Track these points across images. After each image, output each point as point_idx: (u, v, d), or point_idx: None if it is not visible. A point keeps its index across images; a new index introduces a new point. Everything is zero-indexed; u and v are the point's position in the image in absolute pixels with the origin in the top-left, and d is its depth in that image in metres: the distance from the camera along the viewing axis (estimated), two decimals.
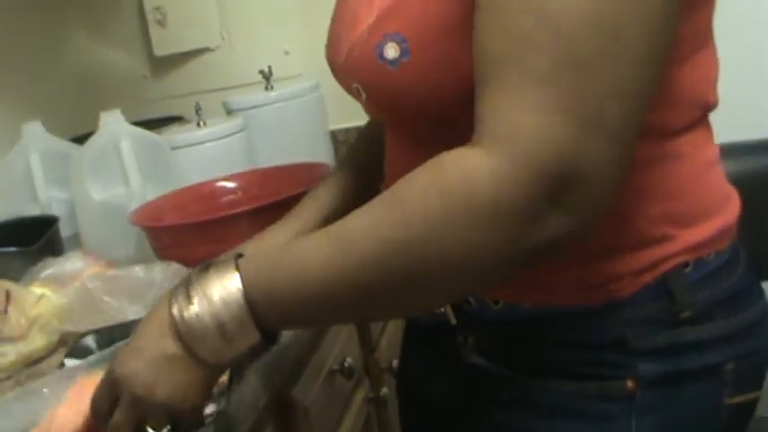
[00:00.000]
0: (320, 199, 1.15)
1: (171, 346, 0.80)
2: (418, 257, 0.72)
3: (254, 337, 0.79)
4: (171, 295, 0.82)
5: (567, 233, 0.72)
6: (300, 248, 0.79)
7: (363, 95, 0.89)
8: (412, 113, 0.87)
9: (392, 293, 0.76)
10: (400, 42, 0.82)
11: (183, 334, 0.80)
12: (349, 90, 0.93)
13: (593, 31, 0.69)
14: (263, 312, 0.79)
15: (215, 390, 0.87)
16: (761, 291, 0.96)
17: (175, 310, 0.80)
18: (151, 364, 0.81)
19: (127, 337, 1.02)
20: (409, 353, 1.13)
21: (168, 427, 0.81)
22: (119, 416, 0.83)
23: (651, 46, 0.71)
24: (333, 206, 1.13)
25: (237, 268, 0.80)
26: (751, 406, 0.95)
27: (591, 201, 0.71)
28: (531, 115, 0.69)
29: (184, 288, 0.81)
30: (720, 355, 0.89)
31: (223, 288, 0.79)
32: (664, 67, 0.75)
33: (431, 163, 0.73)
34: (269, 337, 0.81)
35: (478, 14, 0.74)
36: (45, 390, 0.93)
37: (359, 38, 0.88)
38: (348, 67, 0.91)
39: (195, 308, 0.79)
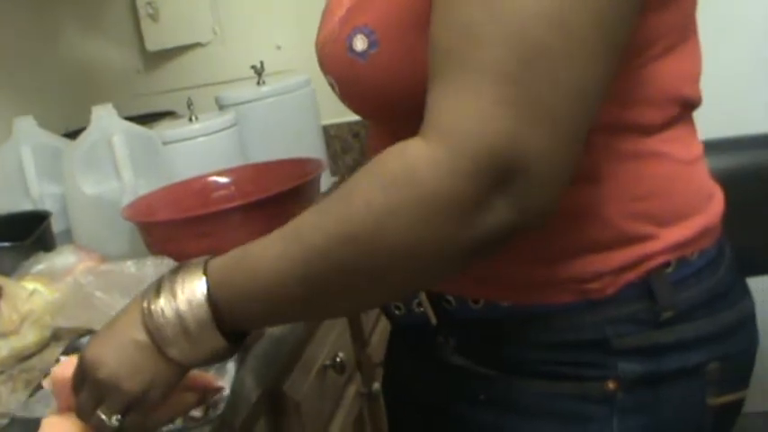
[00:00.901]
0: None
1: (139, 335, 0.81)
2: (363, 251, 0.73)
3: (216, 341, 0.80)
4: (145, 290, 0.83)
5: (509, 225, 0.71)
6: (257, 247, 0.80)
7: (336, 88, 0.90)
8: (381, 106, 0.87)
9: (341, 288, 0.77)
10: (368, 34, 0.83)
11: (151, 329, 0.80)
12: (328, 83, 0.93)
13: (541, 26, 0.69)
14: (225, 313, 0.80)
15: (210, 398, 0.88)
16: (745, 290, 0.96)
17: (145, 304, 0.81)
18: (118, 351, 0.82)
19: None
20: (394, 352, 1.13)
21: (118, 416, 0.81)
22: (82, 397, 0.83)
23: (602, 42, 0.71)
24: None
25: (205, 270, 0.81)
26: (736, 406, 0.95)
27: (533, 193, 0.71)
28: (472, 107, 0.69)
29: (156, 285, 0.82)
30: (703, 356, 0.89)
31: (189, 289, 0.80)
32: (616, 64, 0.75)
33: (377, 157, 0.74)
34: (236, 339, 0.82)
35: (433, 7, 0.74)
36: None
37: (331, 32, 0.89)
38: (322, 61, 0.92)
39: (161, 305, 0.80)
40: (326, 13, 0.94)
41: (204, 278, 0.80)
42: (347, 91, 0.89)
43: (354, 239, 0.73)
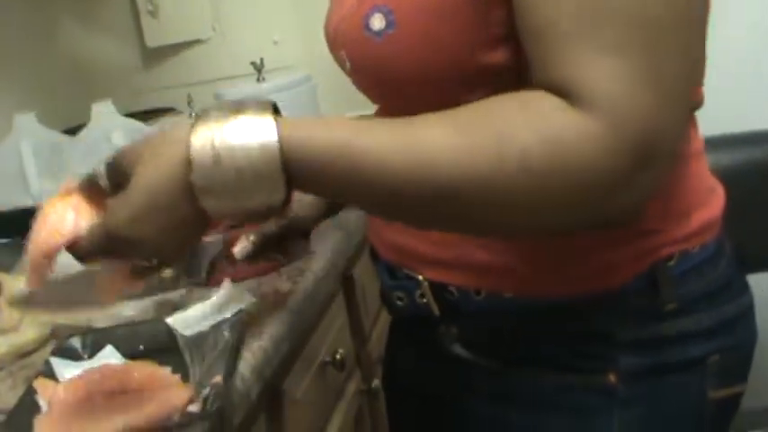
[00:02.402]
0: None
1: (186, 208, 0.75)
2: (496, 199, 0.71)
3: (276, 191, 0.75)
4: (191, 126, 0.75)
5: (648, 197, 0.73)
6: (365, 137, 0.74)
7: (348, 65, 0.90)
8: (391, 86, 0.87)
9: (441, 219, 0.76)
10: (387, 14, 0.82)
11: (197, 169, 0.74)
12: (338, 61, 0.94)
13: (658, 3, 0.70)
14: (294, 166, 0.74)
15: (204, 392, 0.87)
16: (745, 284, 0.97)
17: (195, 141, 0.74)
18: (164, 233, 0.77)
19: (113, 341, 1.02)
20: (394, 344, 1.14)
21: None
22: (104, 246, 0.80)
23: (702, 19, 0.74)
24: None
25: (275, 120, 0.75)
26: (735, 399, 0.95)
27: (665, 168, 0.73)
28: (625, 85, 0.69)
29: (206, 119, 0.75)
30: (704, 349, 0.90)
31: (256, 130, 0.74)
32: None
33: (532, 103, 0.71)
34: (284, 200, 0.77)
35: None
36: None
37: (349, 8, 0.88)
38: (337, 36, 0.92)
39: (216, 143, 0.73)
40: None
41: (274, 123, 0.74)
42: (359, 68, 0.89)
43: (492, 184, 0.70)
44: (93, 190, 0.83)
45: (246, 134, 0.74)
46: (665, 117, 0.70)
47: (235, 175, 0.73)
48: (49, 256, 0.82)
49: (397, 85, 0.86)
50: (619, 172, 0.69)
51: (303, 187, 0.77)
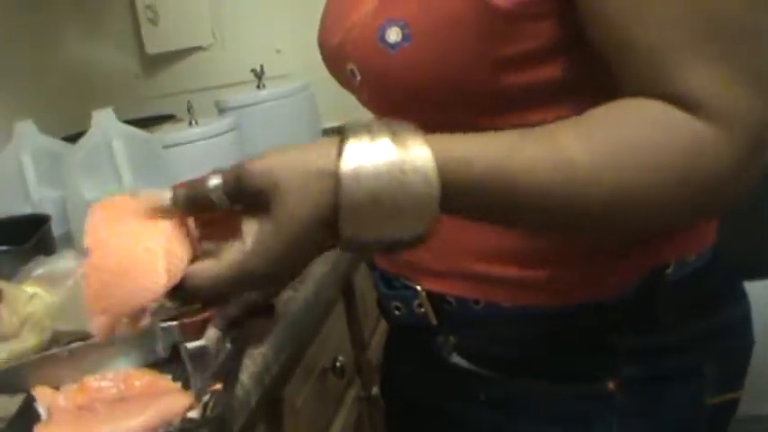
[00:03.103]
0: None
1: (325, 238, 0.71)
2: (638, 207, 0.74)
3: (429, 218, 0.70)
4: (339, 148, 0.70)
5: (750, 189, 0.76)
6: (518, 161, 0.72)
7: (358, 77, 0.88)
8: (404, 99, 0.86)
9: (578, 228, 0.78)
10: (403, 28, 0.82)
11: (348, 199, 0.69)
12: (340, 74, 0.93)
13: (739, 7, 0.73)
14: (451, 188, 0.70)
15: (204, 399, 0.87)
16: (742, 291, 0.97)
17: (347, 163, 0.69)
18: (302, 266, 0.75)
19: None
20: (392, 353, 1.13)
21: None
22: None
23: None
24: None
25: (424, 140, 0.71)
26: (732, 405, 0.96)
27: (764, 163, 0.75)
28: (741, 89, 0.72)
29: (358, 143, 0.70)
30: (701, 356, 0.90)
31: (415, 155, 0.69)
32: None
33: (654, 121, 0.73)
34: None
35: (616, 6, 0.74)
36: None
37: (361, 19, 0.88)
38: (344, 47, 0.90)
39: (373, 166, 0.68)
40: (348, 1, 0.93)
41: (429, 148, 0.70)
42: (370, 80, 0.88)
43: (646, 201, 0.74)
44: (196, 204, 0.76)
45: (401, 162, 0.69)
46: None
47: (390, 203, 0.69)
48: (138, 313, 0.73)
49: (409, 99, 0.85)
50: (743, 171, 0.74)
51: (450, 212, 0.72)
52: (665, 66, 0.73)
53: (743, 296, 0.97)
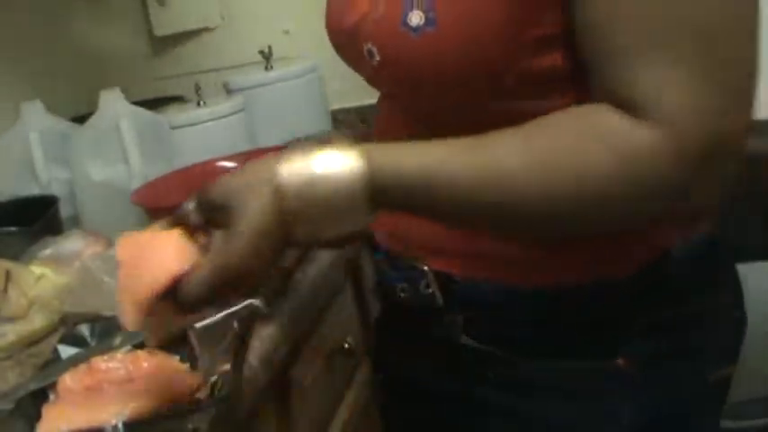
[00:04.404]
0: None
1: (282, 235, 0.78)
2: (580, 216, 0.78)
3: (363, 217, 0.79)
4: (279, 160, 0.79)
5: (721, 191, 0.77)
6: (447, 169, 0.78)
7: (377, 58, 0.88)
8: (423, 85, 0.86)
9: (521, 229, 0.82)
10: (427, 12, 0.82)
11: (290, 203, 0.77)
12: (352, 54, 0.93)
13: (714, 11, 0.73)
14: (378, 195, 0.78)
15: (212, 380, 0.88)
16: (736, 270, 0.99)
17: (286, 177, 0.77)
18: (267, 262, 0.80)
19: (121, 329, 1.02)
20: (388, 335, 1.12)
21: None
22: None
23: (756, 21, 0.75)
24: None
25: (362, 152, 0.78)
26: (727, 382, 0.98)
27: (732, 166, 0.76)
28: (688, 92, 0.72)
29: (298, 160, 0.78)
30: (704, 332, 0.92)
31: (342, 164, 0.77)
32: None
33: (592, 125, 0.76)
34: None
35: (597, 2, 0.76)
36: None
37: (382, 3, 0.87)
38: (363, 28, 0.90)
39: (313, 174, 0.77)
40: None
41: (359, 153, 0.77)
42: (391, 63, 0.88)
43: (573, 210, 0.77)
44: (183, 224, 0.84)
45: (335, 165, 0.77)
46: (731, 120, 0.74)
47: (325, 205, 0.77)
48: (156, 296, 0.80)
49: (425, 82, 0.86)
50: (687, 179, 0.74)
51: (388, 210, 0.80)
52: (617, 66, 0.75)
53: (737, 275, 0.99)
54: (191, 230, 0.83)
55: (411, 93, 0.92)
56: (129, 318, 0.80)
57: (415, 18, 0.82)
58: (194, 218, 0.82)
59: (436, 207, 0.80)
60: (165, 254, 0.81)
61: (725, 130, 0.73)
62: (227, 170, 1.60)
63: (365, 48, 0.89)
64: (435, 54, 0.82)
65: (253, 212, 0.77)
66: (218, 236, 0.80)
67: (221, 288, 0.79)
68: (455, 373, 0.98)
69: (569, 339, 0.90)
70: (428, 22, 0.82)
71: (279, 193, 0.77)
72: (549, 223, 0.79)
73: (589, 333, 0.89)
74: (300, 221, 0.77)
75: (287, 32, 2.26)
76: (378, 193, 0.77)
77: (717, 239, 0.94)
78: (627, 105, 0.74)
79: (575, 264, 0.88)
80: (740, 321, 0.99)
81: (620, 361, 0.89)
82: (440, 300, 0.95)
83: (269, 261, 0.80)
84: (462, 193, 0.77)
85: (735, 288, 0.98)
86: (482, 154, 0.77)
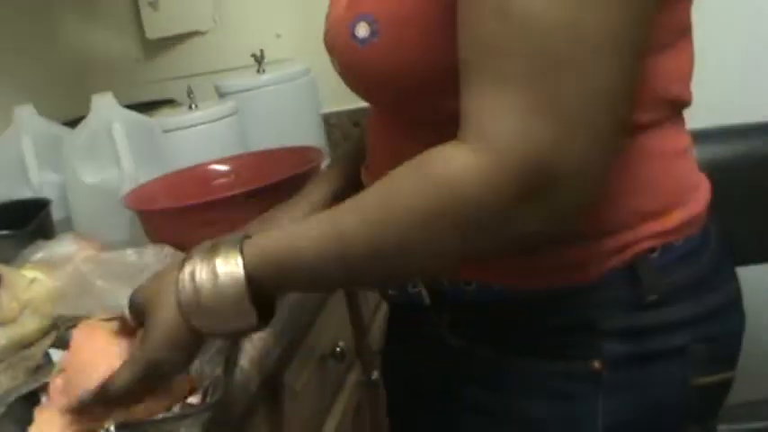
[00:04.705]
0: (330, 180, 1.17)
1: (187, 329, 0.84)
2: (405, 254, 0.78)
3: (250, 318, 0.83)
4: (181, 264, 0.85)
5: (545, 229, 0.74)
6: (299, 234, 0.83)
7: (338, 69, 0.93)
8: (376, 91, 0.91)
9: (377, 273, 0.84)
10: (371, 23, 0.84)
11: (184, 302, 0.83)
12: (332, 61, 0.96)
13: (559, 38, 0.70)
14: (266, 287, 0.83)
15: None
16: (732, 274, 0.98)
17: (183, 280, 0.84)
18: (180, 350, 0.85)
19: None
20: (391, 335, 1.15)
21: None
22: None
23: (620, 47, 0.72)
24: (342, 187, 1.15)
25: (242, 249, 0.83)
26: (723, 386, 0.97)
27: (570, 198, 0.73)
28: (513, 117, 0.71)
29: (193, 261, 0.85)
30: (686, 337, 0.91)
31: (229, 267, 0.82)
32: (640, 65, 0.76)
33: (419, 158, 0.76)
34: (262, 319, 0.84)
35: (459, 13, 0.76)
36: None
37: (338, 15, 0.91)
38: (327, 40, 0.96)
39: (201, 281, 0.83)
40: None
41: (240, 256, 0.82)
42: (345, 72, 0.92)
43: (398, 245, 0.77)
44: (124, 328, 0.92)
45: (217, 272, 0.82)
46: (566, 147, 0.71)
47: (213, 307, 0.83)
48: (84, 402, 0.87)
49: (380, 90, 0.89)
50: (505, 207, 0.72)
51: (274, 294, 0.88)
52: (462, 83, 0.75)
53: (732, 279, 0.98)
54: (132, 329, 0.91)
55: (374, 98, 0.95)
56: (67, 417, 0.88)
57: (362, 30, 0.85)
58: (131, 318, 0.90)
59: (301, 283, 0.86)
60: (97, 354, 0.90)
61: (555, 160, 0.70)
62: (219, 173, 1.61)
63: (332, 58, 0.94)
64: (380, 63, 0.85)
65: (160, 312, 0.85)
66: (140, 334, 0.88)
67: (144, 380, 0.84)
68: (441, 370, 0.99)
69: (546, 341, 0.91)
70: (373, 33, 0.84)
71: (177, 298, 0.84)
72: (386, 265, 0.80)
73: (564, 335, 0.90)
74: (195, 318, 0.83)
75: (279, 36, 2.27)
76: (257, 288, 0.82)
77: (708, 242, 0.94)
78: (461, 121, 0.74)
79: (542, 268, 0.89)
80: (735, 326, 0.97)
81: (595, 363, 0.89)
82: (426, 299, 0.96)
83: (186, 350, 0.85)
84: (312, 265, 0.81)
85: (729, 291, 0.97)
86: (328, 225, 0.81)
